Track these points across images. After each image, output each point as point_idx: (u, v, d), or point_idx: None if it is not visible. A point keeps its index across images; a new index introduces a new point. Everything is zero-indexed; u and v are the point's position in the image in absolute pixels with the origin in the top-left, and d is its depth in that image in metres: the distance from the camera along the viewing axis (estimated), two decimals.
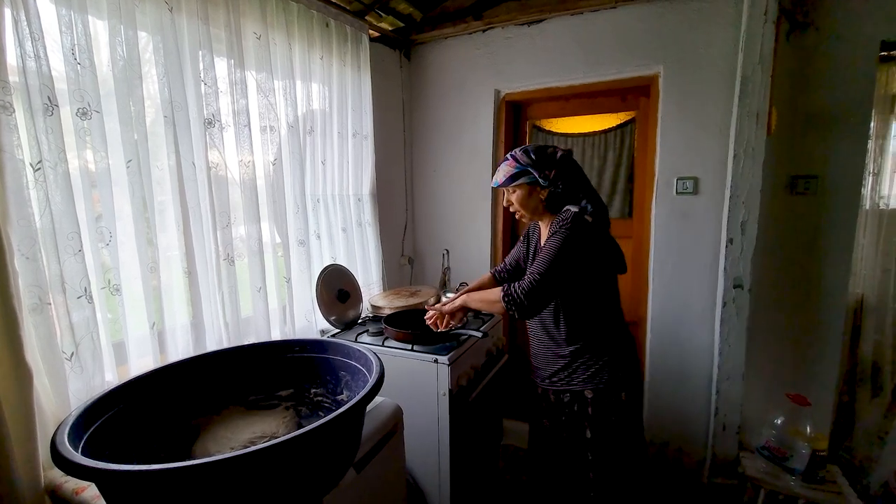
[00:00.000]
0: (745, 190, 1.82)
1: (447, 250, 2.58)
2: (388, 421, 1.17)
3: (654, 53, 2.01)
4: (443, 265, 2.59)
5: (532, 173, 1.37)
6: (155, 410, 0.98)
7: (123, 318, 1.19)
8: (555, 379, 1.45)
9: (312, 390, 1.14)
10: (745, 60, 1.77)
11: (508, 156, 1.42)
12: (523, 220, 1.50)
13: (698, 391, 2.06)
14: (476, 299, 1.42)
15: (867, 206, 1.95)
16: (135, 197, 1.19)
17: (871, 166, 1.91)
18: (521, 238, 1.67)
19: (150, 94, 1.26)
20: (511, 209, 1.47)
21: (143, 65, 1.22)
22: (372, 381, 0.88)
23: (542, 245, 1.45)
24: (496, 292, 1.31)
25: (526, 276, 1.29)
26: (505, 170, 1.40)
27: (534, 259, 1.52)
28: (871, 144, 1.89)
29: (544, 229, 1.50)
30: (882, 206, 1.94)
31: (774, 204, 1.90)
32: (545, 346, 1.47)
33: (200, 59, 1.35)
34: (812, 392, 1.87)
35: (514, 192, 1.42)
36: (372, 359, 0.98)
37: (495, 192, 2.49)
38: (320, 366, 1.13)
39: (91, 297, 1.09)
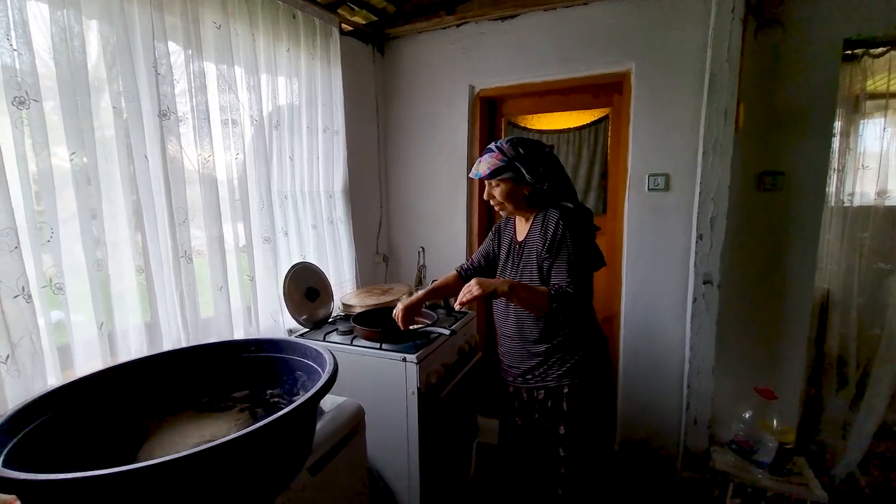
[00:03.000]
0: (714, 186, 1.83)
1: (422, 248, 2.55)
2: (348, 421, 1.14)
3: (626, 50, 2.02)
4: (418, 263, 2.57)
5: (519, 168, 1.31)
6: (98, 415, 0.93)
7: (68, 319, 1.13)
8: (528, 376, 1.42)
9: (269, 391, 1.10)
10: (714, 57, 1.78)
11: (494, 146, 1.34)
12: (502, 213, 1.45)
13: (671, 386, 2.07)
14: (521, 298, 1.27)
15: (832, 203, 1.98)
16: (80, 191, 1.13)
17: (835, 163, 1.94)
18: (492, 233, 1.61)
19: (97, 84, 1.20)
20: (493, 203, 1.41)
21: (89, 52, 1.16)
22: (323, 380, 0.84)
23: (523, 241, 1.41)
24: (542, 295, 1.25)
25: (560, 279, 1.27)
26: (490, 162, 1.33)
27: (510, 255, 1.48)
28: (835, 142, 1.92)
29: (522, 225, 1.45)
30: (846, 203, 1.97)
31: (743, 200, 1.92)
32: (518, 344, 1.44)
33: (154, 48, 1.30)
34: (780, 385, 1.89)
35: (497, 185, 1.36)
36: (326, 357, 0.95)
37: (471, 188, 2.46)
38: (277, 366, 1.09)
39: (30, 297, 1.03)
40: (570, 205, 1.34)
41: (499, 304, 1.49)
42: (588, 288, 1.35)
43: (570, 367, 1.36)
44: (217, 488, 0.72)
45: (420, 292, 1.55)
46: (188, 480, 0.68)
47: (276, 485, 0.83)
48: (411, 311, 1.50)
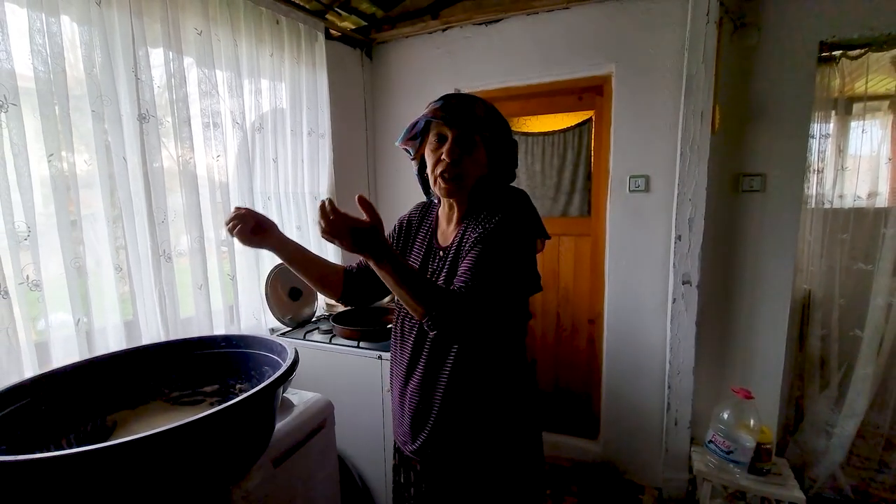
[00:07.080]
0: (692, 187, 1.85)
1: None
2: (315, 416, 1.16)
3: (607, 53, 2.04)
4: None
5: (497, 138, 0.96)
6: (65, 410, 0.95)
7: (45, 316, 1.16)
8: (421, 441, 0.99)
9: (238, 386, 1.12)
10: (690, 60, 1.80)
11: (479, 97, 0.97)
12: (446, 193, 0.96)
13: (653, 387, 2.08)
14: (393, 278, 0.83)
15: (812, 205, 1.99)
16: (57, 190, 1.16)
17: (815, 165, 1.95)
18: (396, 227, 1.14)
19: (76, 87, 1.24)
20: (446, 170, 0.92)
21: (66, 55, 1.19)
22: (279, 372, 0.87)
23: (449, 247, 0.98)
24: (425, 288, 0.83)
25: (462, 278, 0.86)
26: (484, 107, 0.95)
27: (427, 266, 1.02)
28: (814, 144, 1.93)
29: (446, 225, 1.03)
30: (826, 205, 1.98)
31: (722, 201, 1.94)
32: (415, 390, 0.98)
33: (134, 52, 1.34)
34: (759, 386, 1.90)
35: (474, 146, 0.93)
36: (289, 351, 0.97)
37: None
38: (245, 361, 1.11)
39: (7, 293, 1.06)
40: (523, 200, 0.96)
41: (403, 308, 0.99)
42: (524, 316, 1.00)
43: (487, 429, 0.96)
44: (171, 473, 0.75)
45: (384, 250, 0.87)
46: (145, 463, 0.70)
47: (232, 473, 0.85)
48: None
